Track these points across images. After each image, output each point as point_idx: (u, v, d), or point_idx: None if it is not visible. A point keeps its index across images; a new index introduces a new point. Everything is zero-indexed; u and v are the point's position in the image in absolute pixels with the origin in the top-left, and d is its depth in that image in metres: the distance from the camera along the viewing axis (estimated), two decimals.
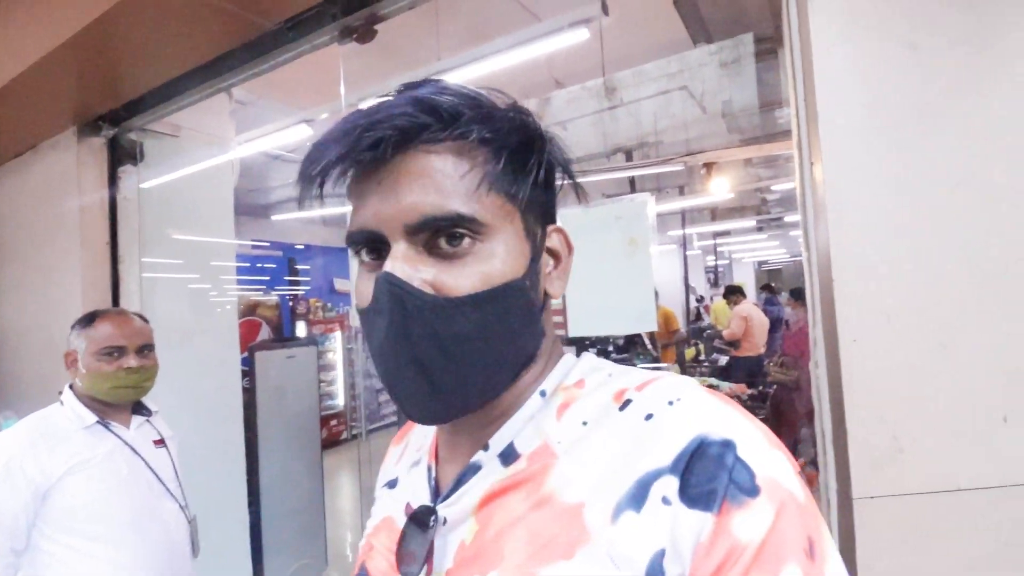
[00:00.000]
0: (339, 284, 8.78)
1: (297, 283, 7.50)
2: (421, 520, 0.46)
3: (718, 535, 0.35)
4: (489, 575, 0.41)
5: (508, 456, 0.45)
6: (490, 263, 0.42)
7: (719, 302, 8.23)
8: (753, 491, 0.36)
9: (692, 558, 0.36)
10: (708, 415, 0.39)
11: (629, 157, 5.41)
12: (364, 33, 1.61)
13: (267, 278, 7.18)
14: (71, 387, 1.37)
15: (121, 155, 2.41)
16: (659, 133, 5.11)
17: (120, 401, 1.35)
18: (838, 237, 0.89)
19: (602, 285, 1.33)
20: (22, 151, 2.57)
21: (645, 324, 1.27)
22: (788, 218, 8.56)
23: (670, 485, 0.37)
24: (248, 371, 2.95)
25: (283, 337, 6.12)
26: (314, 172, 0.42)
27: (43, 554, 1.23)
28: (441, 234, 0.42)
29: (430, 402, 0.43)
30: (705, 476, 0.37)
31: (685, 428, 0.39)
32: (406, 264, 0.41)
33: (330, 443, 6.15)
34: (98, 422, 1.32)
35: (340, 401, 6.78)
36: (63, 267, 2.35)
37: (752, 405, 3.90)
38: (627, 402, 0.42)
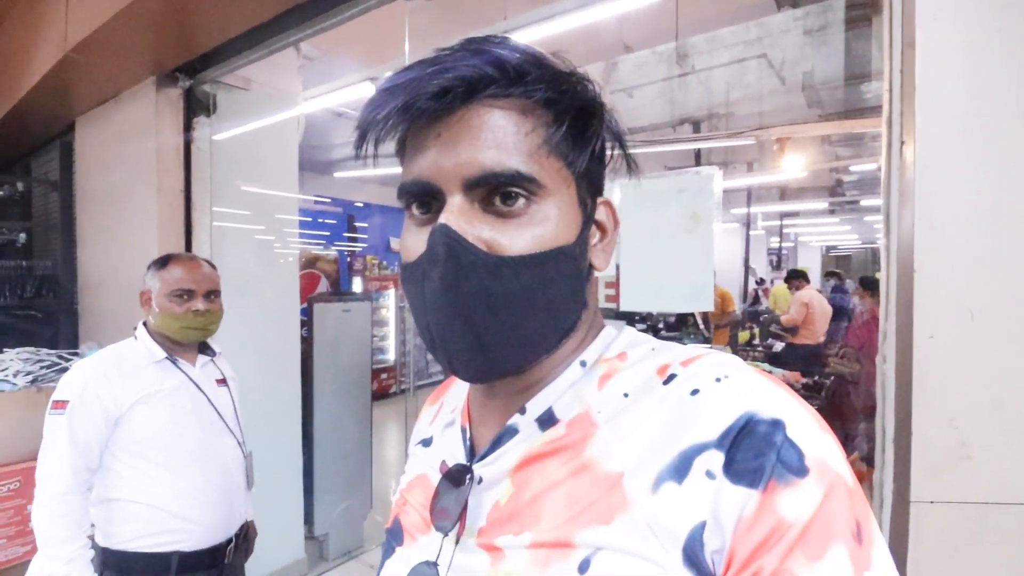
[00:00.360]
0: (395, 243, 8.97)
1: (355, 240, 7.70)
2: (456, 478, 0.47)
3: (762, 511, 0.35)
4: (524, 535, 0.41)
5: (546, 421, 0.45)
6: (544, 226, 0.42)
7: (779, 286, 7.90)
8: (802, 471, 0.35)
9: (733, 532, 0.35)
10: (758, 393, 0.39)
11: (697, 128, 5.17)
12: None
13: (327, 233, 7.41)
14: (145, 324, 1.46)
15: (196, 106, 2.51)
16: (731, 104, 4.84)
17: (187, 340, 1.43)
18: (924, 225, 0.82)
19: (659, 260, 1.29)
20: (106, 99, 2.71)
21: (702, 303, 1.22)
22: (865, 202, 8.04)
23: (715, 459, 0.37)
24: (306, 321, 3.08)
25: (340, 291, 6.33)
26: (378, 116, 0.41)
27: (113, 474, 1.35)
28: (498, 191, 0.41)
29: (475, 358, 0.42)
30: (752, 453, 0.36)
31: (733, 405, 0.38)
32: (461, 218, 0.41)
33: (379, 395, 6.39)
34: (167, 358, 1.41)
35: (391, 356, 7.01)
36: (141, 211, 2.49)
37: (806, 395, 3.76)
38: (671, 376, 0.42)
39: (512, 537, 0.42)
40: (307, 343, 3.04)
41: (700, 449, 0.37)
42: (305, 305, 3.16)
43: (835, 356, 4.44)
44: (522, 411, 0.46)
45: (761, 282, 10.00)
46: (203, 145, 2.53)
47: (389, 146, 0.44)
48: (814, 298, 5.25)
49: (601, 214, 0.48)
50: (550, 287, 0.42)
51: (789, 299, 6.13)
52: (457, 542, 0.45)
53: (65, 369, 2.05)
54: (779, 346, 5.49)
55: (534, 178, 0.41)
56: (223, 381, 1.52)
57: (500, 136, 0.41)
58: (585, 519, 0.39)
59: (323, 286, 5.36)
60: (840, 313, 5.37)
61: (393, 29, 2.68)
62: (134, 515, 1.33)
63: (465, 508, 0.45)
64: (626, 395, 0.43)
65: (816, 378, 4.15)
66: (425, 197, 0.43)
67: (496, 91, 0.41)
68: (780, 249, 11.24)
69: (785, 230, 11.10)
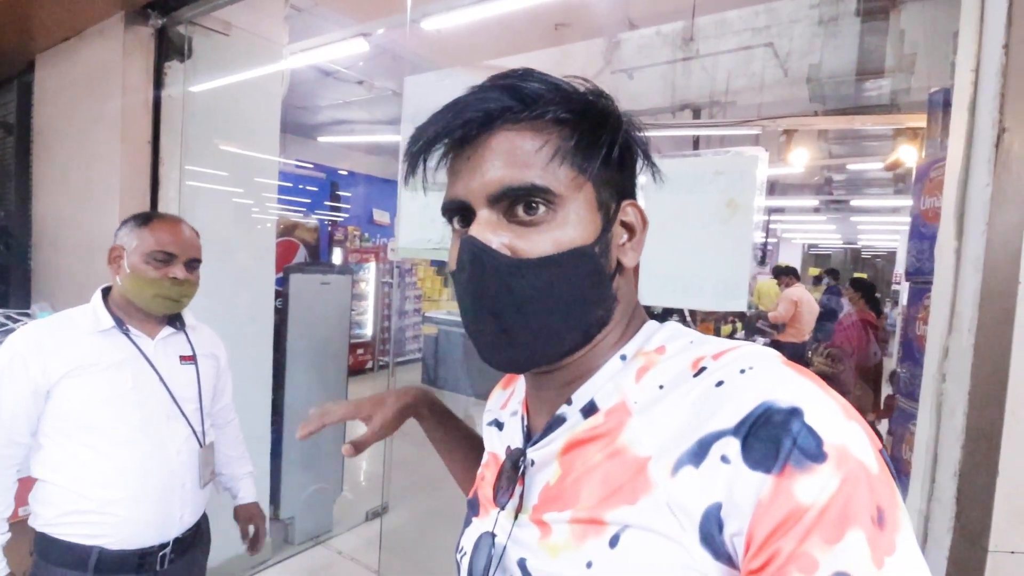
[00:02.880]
0: (378, 215, 8.70)
1: (337, 209, 7.43)
2: (515, 460, 0.53)
3: (778, 495, 0.36)
4: (566, 512, 0.46)
5: (588, 411, 0.49)
6: (562, 230, 0.46)
7: (764, 281, 7.88)
8: (819, 457, 0.36)
9: (752, 516, 0.37)
10: (778, 383, 0.40)
11: (697, 115, 5.03)
12: None
13: (308, 200, 7.12)
14: (105, 290, 1.29)
15: (168, 49, 2.27)
16: (732, 92, 4.71)
17: (156, 311, 1.26)
18: None
19: (687, 250, 1.15)
20: (68, 36, 2.45)
21: (735, 302, 1.09)
22: (854, 202, 8.04)
23: (731, 446, 0.39)
24: (281, 292, 2.89)
25: (319, 261, 6.10)
26: (415, 149, 0.49)
27: (42, 451, 1.20)
28: (519, 203, 0.46)
29: (505, 350, 0.48)
30: (769, 440, 0.37)
31: (752, 394, 0.40)
32: (487, 229, 0.47)
33: (355, 371, 6.22)
34: (115, 327, 1.23)
35: (368, 331, 6.82)
36: (103, 161, 2.26)
37: None
38: (702, 369, 0.44)
39: (557, 514, 0.47)
40: (281, 315, 2.86)
41: (717, 436, 0.39)
42: (280, 274, 2.96)
43: (820, 356, 4.40)
44: (569, 402, 0.50)
45: None
46: (175, 93, 2.30)
47: (432, 177, 0.51)
48: (803, 296, 5.21)
49: (629, 215, 0.51)
50: (569, 284, 0.47)
51: (774, 294, 6.09)
52: (516, 517, 0.51)
53: (12, 331, 1.85)
54: (762, 342, 5.45)
55: (548, 188, 0.46)
56: (191, 358, 1.33)
57: (517, 155, 0.46)
58: (615, 499, 0.43)
59: (301, 255, 5.14)
60: (834, 313, 5.35)
61: None
62: (55, 497, 1.18)
63: (523, 487, 0.51)
64: (661, 387, 0.45)
65: None
66: (462, 213, 0.49)
67: (512, 116, 0.46)
68: (766, 244, 11.26)
69: (771, 226, 11.11)
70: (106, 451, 1.18)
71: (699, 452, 0.40)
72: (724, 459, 0.38)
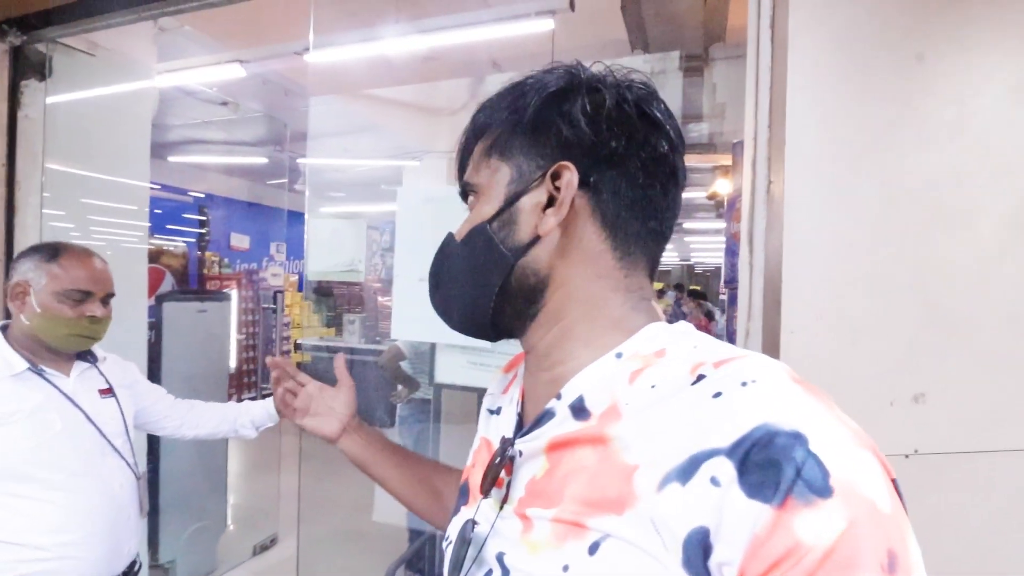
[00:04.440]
0: (236, 240, 8.19)
1: (203, 234, 6.91)
2: (504, 449, 0.52)
3: (777, 529, 0.34)
4: (549, 509, 0.45)
5: (579, 411, 0.47)
6: (473, 216, 0.54)
7: None
8: (825, 491, 0.34)
9: (746, 549, 0.34)
10: (782, 403, 0.37)
11: None
12: None
13: (148, 224, 6.53)
14: (3, 329, 1.23)
15: (25, 67, 2.14)
16: None
17: (70, 349, 1.23)
18: (789, 246, 1.06)
19: None
20: None
21: None
22: (687, 225, 9.26)
23: (723, 467, 0.36)
24: (154, 322, 2.75)
25: (189, 288, 5.64)
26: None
27: None
28: (466, 196, 0.56)
29: (438, 311, 0.57)
30: (768, 466, 0.35)
31: (752, 413, 0.37)
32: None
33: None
34: (29, 369, 1.19)
35: (232, 363, 6.40)
36: None
37: None
38: (700, 377, 0.42)
39: (540, 510, 0.46)
40: (154, 347, 2.72)
41: (710, 455, 0.37)
42: (152, 303, 2.82)
43: None
44: (558, 396, 0.49)
45: None
46: (34, 114, 2.16)
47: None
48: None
49: (562, 178, 0.49)
50: (467, 261, 0.53)
51: None
52: (501, 507, 0.50)
53: None
54: None
55: (469, 182, 0.55)
56: (108, 391, 1.31)
57: (470, 159, 0.56)
58: (598, 505, 0.41)
59: (168, 283, 4.73)
60: (684, 319, 6.14)
61: (267, 10, 2.55)
62: None
63: (507, 476, 0.51)
64: (653, 387, 0.44)
65: None
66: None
67: (473, 139, 0.56)
68: None
69: None
70: (47, 497, 1.14)
71: (688, 469, 0.37)
72: (714, 481, 0.36)
